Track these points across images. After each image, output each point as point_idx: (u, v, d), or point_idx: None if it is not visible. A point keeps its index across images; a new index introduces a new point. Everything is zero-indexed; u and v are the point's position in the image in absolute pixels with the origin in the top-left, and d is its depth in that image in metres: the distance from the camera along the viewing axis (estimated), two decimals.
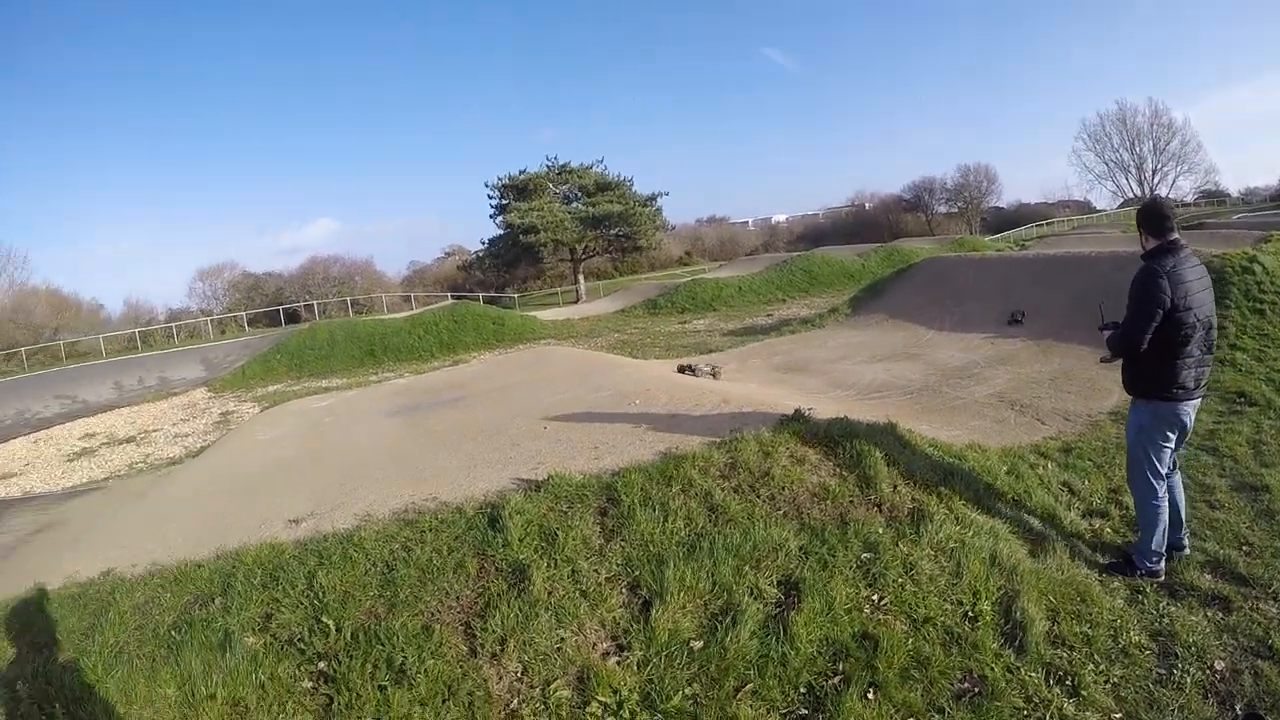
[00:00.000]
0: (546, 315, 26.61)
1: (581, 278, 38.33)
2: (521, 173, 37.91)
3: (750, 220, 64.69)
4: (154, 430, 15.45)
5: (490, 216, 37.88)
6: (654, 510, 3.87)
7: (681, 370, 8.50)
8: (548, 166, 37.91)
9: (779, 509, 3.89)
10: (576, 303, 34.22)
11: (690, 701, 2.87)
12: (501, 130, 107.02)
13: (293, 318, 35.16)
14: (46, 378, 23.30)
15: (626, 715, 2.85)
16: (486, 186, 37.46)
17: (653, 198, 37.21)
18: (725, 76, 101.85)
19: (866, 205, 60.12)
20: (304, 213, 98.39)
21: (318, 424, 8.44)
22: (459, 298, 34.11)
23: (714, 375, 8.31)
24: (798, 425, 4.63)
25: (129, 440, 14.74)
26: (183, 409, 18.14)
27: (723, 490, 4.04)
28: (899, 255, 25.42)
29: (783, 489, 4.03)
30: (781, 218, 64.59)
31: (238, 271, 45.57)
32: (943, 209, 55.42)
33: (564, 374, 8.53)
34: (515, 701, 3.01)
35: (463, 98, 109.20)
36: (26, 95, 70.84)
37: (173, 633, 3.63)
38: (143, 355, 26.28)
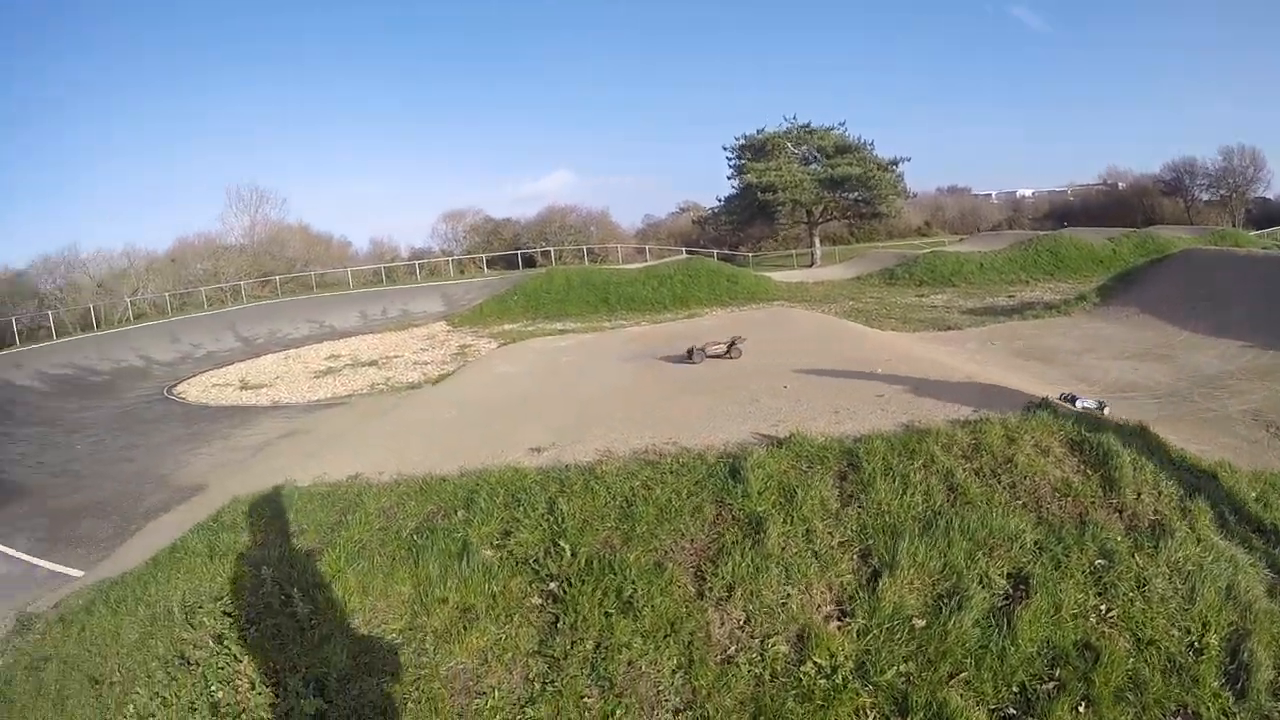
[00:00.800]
0: (779, 277, 37.89)
1: (817, 241, 56.85)
2: (760, 131, 56.24)
3: (993, 193, 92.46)
4: (395, 356, 25.31)
5: (728, 177, 58.48)
6: (894, 481, 5.67)
7: (690, 355, 11.68)
8: (787, 126, 55.85)
9: (1018, 498, 5.53)
10: (810, 266, 50.43)
11: (903, 679, 4.27)
12: (737, 88, 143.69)
13: (529, 263, 53.49)
14: (298, 304, 40.04)
15: (839, 680, 4.28)
16: (725, 149, 57.92)
17: (894, 163, 53.39)
18: (971, 36, 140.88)
19: (1120, 185, 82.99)
20: (543, 163, 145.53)
21: (556, 363, 13.43)
22: (692, 253, 50.20)
23: (729, 354, 11.52)
24: (1044, 415, 6.61)
25: (371, 363, 24.29)
26: (423, 339, 29.24)
27: (964, 471, 5.81)
28: (1154, 243, 33.19)
29: (1024, 478, 5.71)
30: (1026, 192, 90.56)
31: (479, 216, 70.47)
32: (1204, 196, 74.38)
33: (802, 336, 13.14)
34: (733, 648, 4.58)
35: (696, 50, 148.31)
36: (293, 55, 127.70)
37: (414, 537, 6.05)
38: (386, 289, 43.98)
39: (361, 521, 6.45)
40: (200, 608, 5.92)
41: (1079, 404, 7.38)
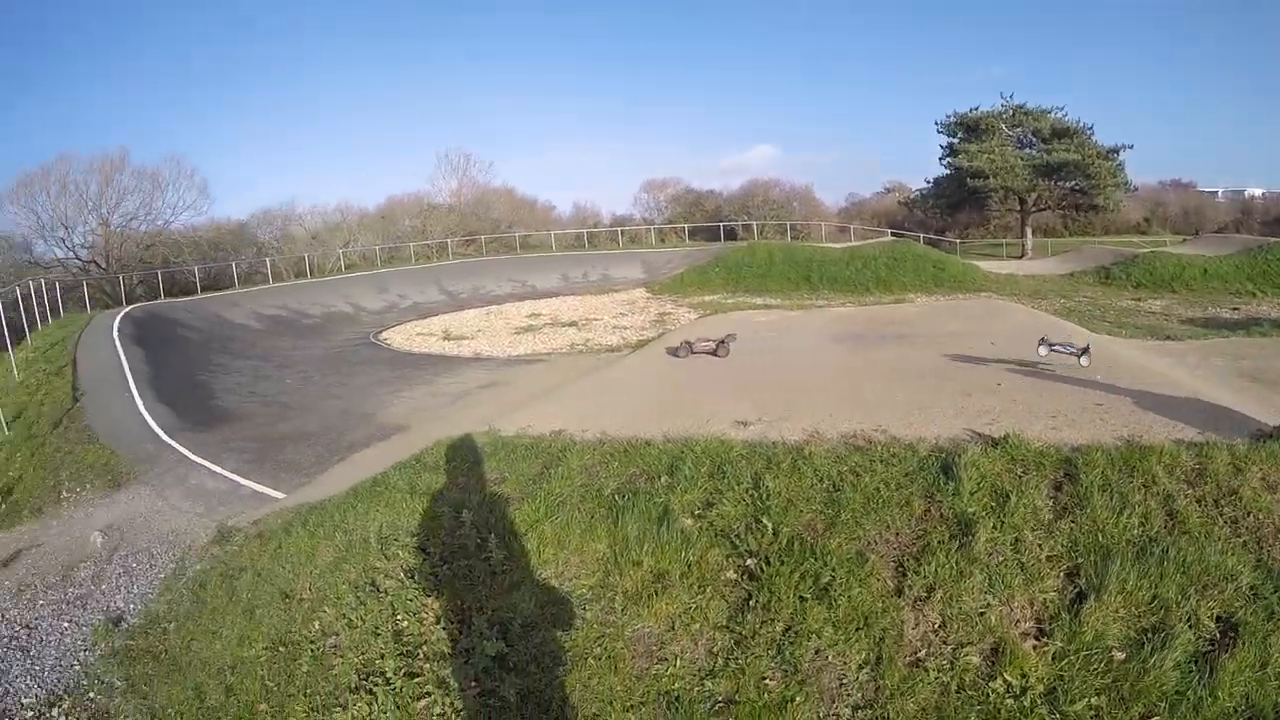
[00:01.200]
0: (987, 267, 37.03)
1: (1029, 231, 54.43)
2: (973, 110, 54.81)
3: (1220, 190, 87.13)
4: (594, 319, 26.37)
5: (939, 158, 57.18)
6: (1111, 498, 5.53)
7: (678, 350, 12.27)
8: (1002, 106, 53.86)
9: (1239, 535, 5.21)
10: (1020, 258, 49.23)
11: (1092, 712, 4.12)
12: (947, 64, 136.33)
13: (730, 235, 54.26)
14: (501, 262, 43.19)
15: (1027, 703, 4.18)
16: (936, 125, 56.92)
17: (1114, 150, 50.45)
18: (1204, 13, 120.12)
19: None
20: (746, 137, 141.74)
21: (760, 337, 13.70)
22: (897, 235, 50.23)
23: (716, 353, 11.97)
24: (1275, 446, 6.12)
25: (571, 324, 25.85)
26: (622, 304, 30.54)
27: (1185, 497, 5.57)
28: None
29: (1247, 514, 5.37)
30: (1257, 192, 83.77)
31: (680, 187, 71.50)
32: None
33: (1013, 331, 12.95)
34: (924, 652, 4.52)
35: (907, 23, 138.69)
36: (505, 27, 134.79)
37: (615, 497, 6.20)
38: (588, 253, 46.69)
39: (564, 476, 6.66)
40: (396, 540, 6.20)
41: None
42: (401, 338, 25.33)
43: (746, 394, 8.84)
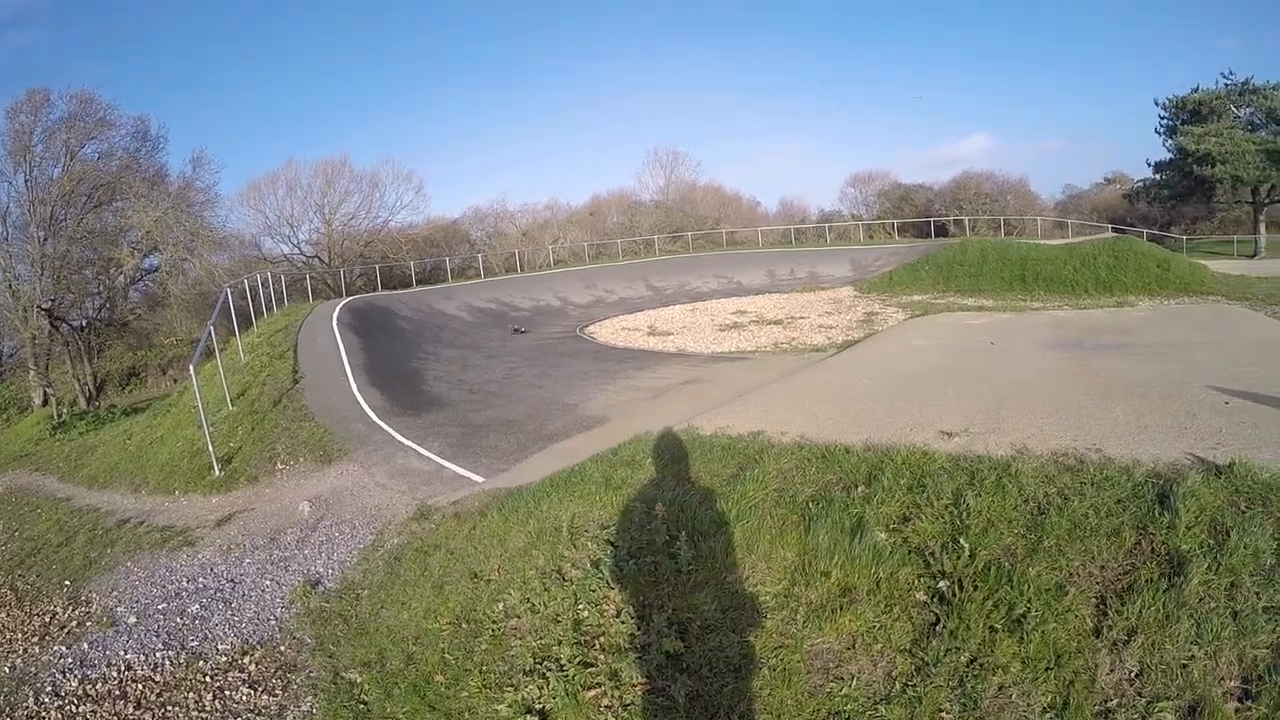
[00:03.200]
0: (1216, 266, 33.73)
1: (1263, 227, 50.89)
2: (1195, 90, 51.81)
3: None
4: (800, 317, 26.13)
5: (1162, 143, 54.49)
6: None
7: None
8: (1226, 85, 50.89)
9: None
10: (1253, 257, 46.15)
11: None
12: (1170, 35, 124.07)
13: (940, 231, 54.15)
14: (707, 259, 44.66)
15: None
16: (1156, 104, 53.82)
17: None
18: None
19: None
20: (959, 127, 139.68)
21: (972, 342, 13.15)
22: (1118, 231, 48.51)
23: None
24: None
25: (776, 322, 25.46)
26: (829, 302, 30.16)
27: None
28: None
29: None
30: None
31: (888, 181, 71.50)
32: None
33: (1248, 343, 12.33)
34: (1115, 702, 4.15)
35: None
36: (708, 22, 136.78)
37: (809, 504, 6.00)
38: (795, 250, 47.15)
39: (758, 479, 6.51)
40: (586, 531, 6.24)
41: None
42: (607, 332, 25.93)
43: (955, 401, 8.45)
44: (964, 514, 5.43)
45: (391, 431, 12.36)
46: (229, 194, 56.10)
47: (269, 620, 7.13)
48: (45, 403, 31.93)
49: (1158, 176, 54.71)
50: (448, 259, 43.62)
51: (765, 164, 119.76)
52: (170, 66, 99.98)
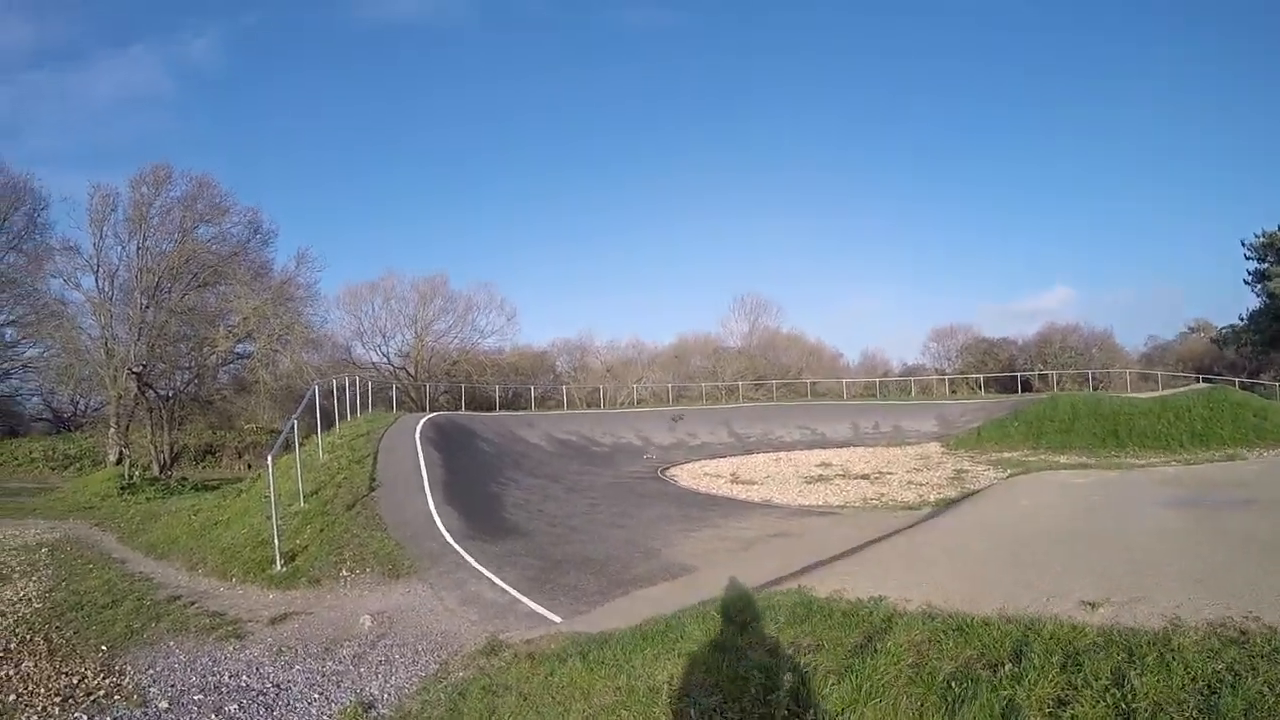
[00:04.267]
0: None
1: None
2: None
3: None
4: (888, 472, 25.38)
5: (1246, 283, 53.66)
6: None
7: None
8: None
9: None
10: None
11: None
12: (1246, 167, 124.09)
13: (1025, 386, 55.24)
14: (791, 409, 44.20)
15: None
16: (1243, 245, 52.93)
17: None
18: None
19: None
20: (1041, 279, 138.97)
21: (1086, 500, 12.36)
22: (1207, 381, 47.18)
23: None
24: None
25: (863, 477, 24.70)
26: (915, 458, 29.51)
27: None
28: None
29: None
30: None
31: (970, 334, 73.13)
32: None
33: None
34: None
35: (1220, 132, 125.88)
36: (796, 182, 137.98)
37: (951, 684, 5.24)
38: (879, 403, 47.41)
39: (890, 653, 5.78)
40: (687, 697, 5.47)
41: None
42: (689, 476, 25.34)
43: (1087, 567, 7.74)
44: (1128, 696, 4.75)
45: (466, 555, 11.75)
46: (329, 295, 58.15)
47: None
48: (119, 461, 32.27)
49: (1249, 323, 54.06)
50: (532, 387, 44.13)
51: (847, 315, 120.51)
52: (287, 164, 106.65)
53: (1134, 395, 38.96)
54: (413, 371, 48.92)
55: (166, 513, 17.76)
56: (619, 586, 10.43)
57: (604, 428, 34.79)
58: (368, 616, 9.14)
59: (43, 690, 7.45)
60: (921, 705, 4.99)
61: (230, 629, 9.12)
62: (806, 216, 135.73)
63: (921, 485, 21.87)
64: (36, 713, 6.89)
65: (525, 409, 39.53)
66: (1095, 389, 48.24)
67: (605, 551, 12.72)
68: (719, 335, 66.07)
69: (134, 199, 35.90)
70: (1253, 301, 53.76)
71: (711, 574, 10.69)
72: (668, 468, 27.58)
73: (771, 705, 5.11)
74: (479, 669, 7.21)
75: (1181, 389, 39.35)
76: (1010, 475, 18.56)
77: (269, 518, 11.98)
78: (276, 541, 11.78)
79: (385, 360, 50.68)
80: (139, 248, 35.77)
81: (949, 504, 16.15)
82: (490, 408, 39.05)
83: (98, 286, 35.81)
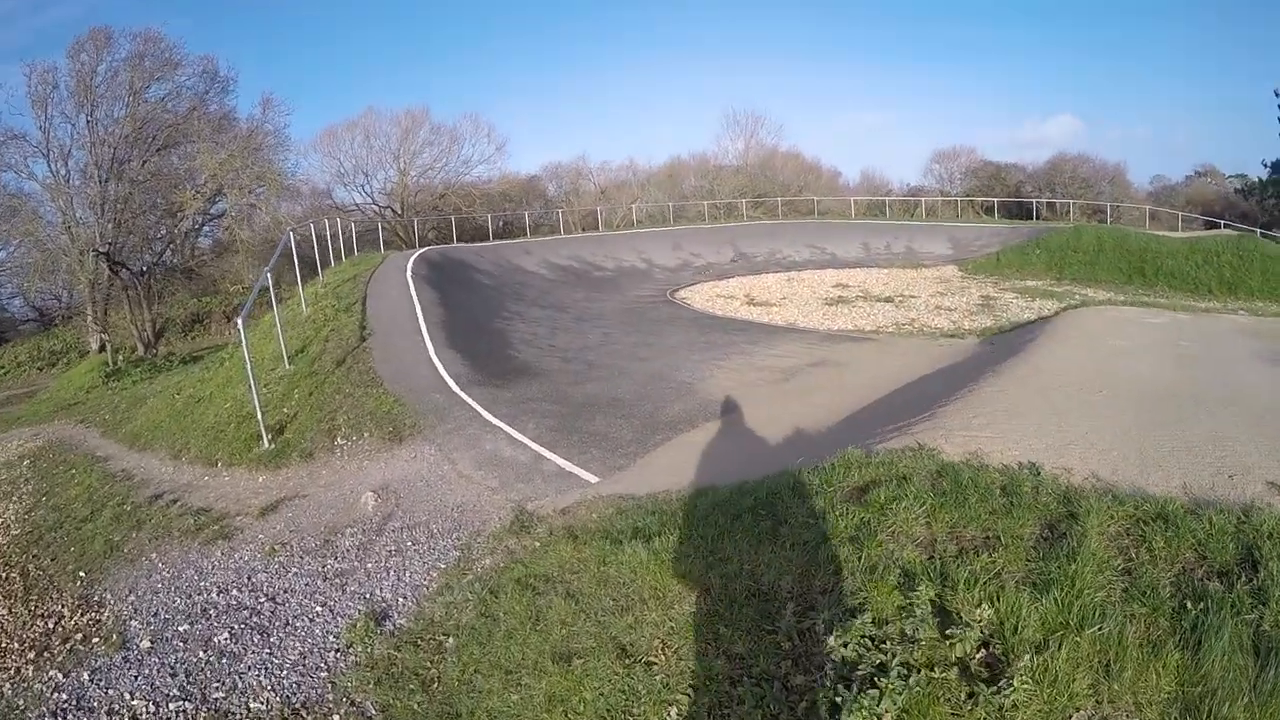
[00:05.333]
0: None
1: None
2: None
3: None
4: (910, 295, 24.23)
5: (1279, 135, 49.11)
6: None
7: None
8: None
9: None
10: None
11: None
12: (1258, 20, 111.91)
13: (1033, 213, 52.64)
14: (798, 227, 42.38)
15: None
16: (1277, 95, 51.08)
17: None
18: None
19: None
20: (1046, 105, 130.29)
21: (1177, 348, 10.77)
22: (1211, 225, 45.40)
23: None
24: None
25: (885, 299, 23.44)
26: (936, 282, 28.32)
27: None
28: None
29: None
30: None
31: (975, 158, 69.90)
32: None
33: None
34: None
35: None
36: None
37: (1186, 604, 3.76)
38: (889, 222, 45.44)
39: (1091, 555, 4.10)
40: (815, 610, 3.99)
41: None
42: (701, 298, 23.96)
43: (1241, 436, 6.15)
44: None
45: (476, 406, 10.30)
46: (304, 140, 55.37)
47: (318, 670, 5.13)
48: (102, 349, 30.79)
49: (1272, 173, 52.83)
50: (526, 214, 42.29)
51: (845, 133, 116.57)
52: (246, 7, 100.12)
53: (1160, 233, 37.69)
54: (399, 209, 46.77)
55: (152, 395, 16.33)
56: (656, 431, 9.10)
57: (605, 251, 33.29)
58: (370, 493, 7.78)
59: (16, 643, 6.39)
60: (1148, 632, 3.55)
61: (217, 528, 7.83)
62: (802, 23, 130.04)
63: (951, 310, 20.68)
64: (9, 676, 5.83)
65: (520, 237, 37.87)
66: (1103, 223, 46.71)
67: (632, 389, 11.35)
68: (714, 154, 63.69)
69: (75, 69, 33.16)
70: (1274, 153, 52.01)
71: (759, 412, 9.48)
72: (676, 290, 26.21)
73: (952, 639, 3.55)
74: (508, 553, 5.91)
75: (1208, 233, 38.05)
76: (1066, 308, 17.02)
77: (251, 388, 10.48)
78: (260, 415, 10.30)
79: (369, 200, 48.54)
80: (89, 120, 33.21)
81: (988, 333, 15.17)
82: (483, 239, 37.38)
83: (51, 170, 33.53)
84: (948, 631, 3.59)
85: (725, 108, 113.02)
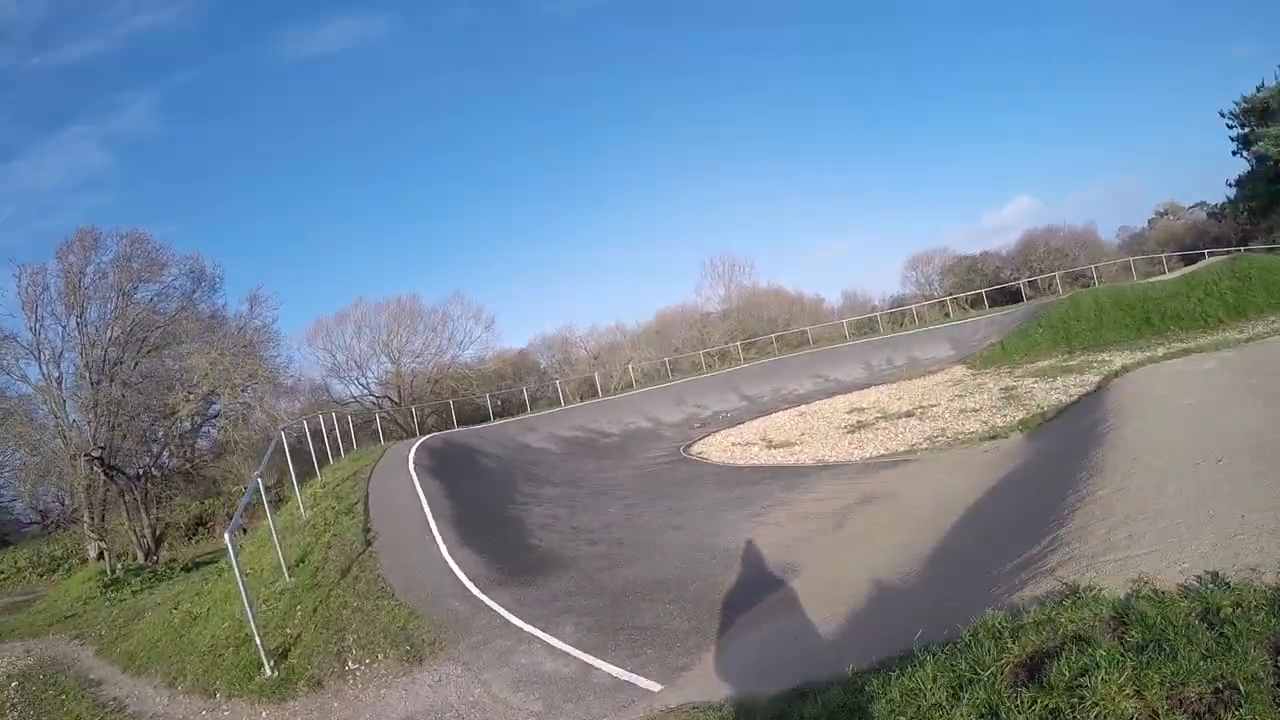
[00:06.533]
0: None
1: None
2: (1260, 89, 50.41)
3: None
4: (930, 405, 23.13)
5: (1233, 153, 53.31)
6: None
7: None
8: None
9: None
10: None
11: None
12: (1178, 54, 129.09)
13: (1016, 296, 53.34)
14: (795, 360, 41.27)
15: None
16: (1223, 116, 52.99)
17: None
18: None
19: None
20: (998, 194, 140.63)
21: (1248, 388, 9.87)
22: (1188, 260, 46.84)
23: None
24: None
25: (906, 415, 22.22)
26: (949, 385, 27.41)
27: None
28: None
29: None
30: None
31: (949, 256, 72.48)
32: None
33: None
34: None
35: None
36: (742, 135, 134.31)
37: None
38: (884, 337, 44.25)
39: None
40: None
41: None
42: (717, 450, 22.68)
43: None
44: None
45: (502, 612, 8.95)
46: (295, 334, 55.61)
47: None
48: (100, 556, 29.20)
49: (1239, 189, 53.36)
50: (523, 388, 41.51)
51: (820, 262, 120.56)
52: (230, 205, 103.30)
53: (1152, 279, 37.41)
54: (396, 398, 46.08)
55: (151, 607, 15.03)
56: (715, 616, 7.78)
57: (609, 416, 32.23)
58: None
59: None
60: None
61: None
62: (766, 174, 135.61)
63: (977, 411, 19.61)
64: None
65: (520, 414, 36.80)
66: (1095, 285, 46.53)
67: (672, 567, 10.04)
68: (698, 302, 64.15)
69: (63, 270, 32.94)
70: (1240, 169, 53.13)
71: (824, 571, 8.36)
72: (689, 444, 24.96)
73: None
74: None
75: (1200, 265, 37.85)
76: (1106, 378, 15.60)
77: (245, 611, 9.08)
78: (259, 639, 8.93)
79: (366, 391, 47.87)
80: (78, 322, 32.73)
81: (1045, 425, 14.05)
82: (483, 419, 36.35)
83: (43, 372, 32.82)
84: None
85: (701, 256, 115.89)
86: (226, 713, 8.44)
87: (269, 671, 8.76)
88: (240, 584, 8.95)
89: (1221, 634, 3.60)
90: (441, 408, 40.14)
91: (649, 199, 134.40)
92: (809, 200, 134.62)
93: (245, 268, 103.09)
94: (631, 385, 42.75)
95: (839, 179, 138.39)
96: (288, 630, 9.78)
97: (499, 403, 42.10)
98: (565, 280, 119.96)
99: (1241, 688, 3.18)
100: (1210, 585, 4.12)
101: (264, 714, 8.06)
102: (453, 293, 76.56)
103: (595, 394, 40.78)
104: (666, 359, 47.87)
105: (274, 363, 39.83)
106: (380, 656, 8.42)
